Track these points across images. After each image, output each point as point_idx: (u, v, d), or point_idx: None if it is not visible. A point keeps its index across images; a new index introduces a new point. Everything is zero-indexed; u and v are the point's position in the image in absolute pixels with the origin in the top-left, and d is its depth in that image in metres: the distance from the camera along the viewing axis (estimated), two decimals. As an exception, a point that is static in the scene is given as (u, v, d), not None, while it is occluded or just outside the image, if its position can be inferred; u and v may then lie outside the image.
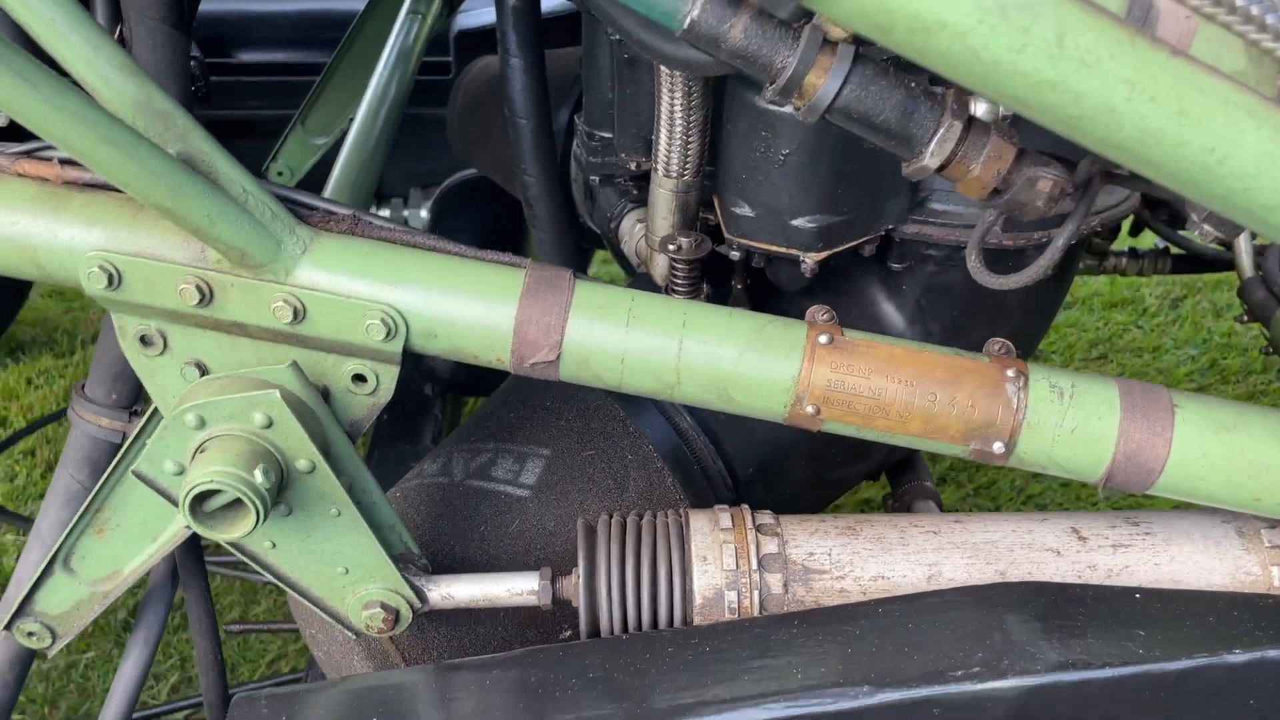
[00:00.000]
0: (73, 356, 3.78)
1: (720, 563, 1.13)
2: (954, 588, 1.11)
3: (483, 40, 2.64)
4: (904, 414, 1.04)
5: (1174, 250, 2.22)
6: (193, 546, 1.52)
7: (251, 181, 1.04)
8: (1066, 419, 1.05)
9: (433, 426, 2.47)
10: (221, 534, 1.04)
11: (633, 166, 1.48)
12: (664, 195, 1.38)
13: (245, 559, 1.15)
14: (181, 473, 1.05)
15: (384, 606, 1.17)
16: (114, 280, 1.05)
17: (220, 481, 1.00)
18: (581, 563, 1.14)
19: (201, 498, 1.02)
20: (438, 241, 1.10)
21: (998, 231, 1.33)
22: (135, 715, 1.62)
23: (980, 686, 0.99)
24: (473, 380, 2.56)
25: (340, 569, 1.16)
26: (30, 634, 1.30)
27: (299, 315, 1.05)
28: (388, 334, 1.05)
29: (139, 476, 1.07)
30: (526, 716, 1.03)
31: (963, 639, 1.02)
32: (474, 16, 2.76)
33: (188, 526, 1.05)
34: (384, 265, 1.07)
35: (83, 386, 1.48)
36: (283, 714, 1.08)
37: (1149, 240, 2.21)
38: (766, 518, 1.18)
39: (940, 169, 0.96)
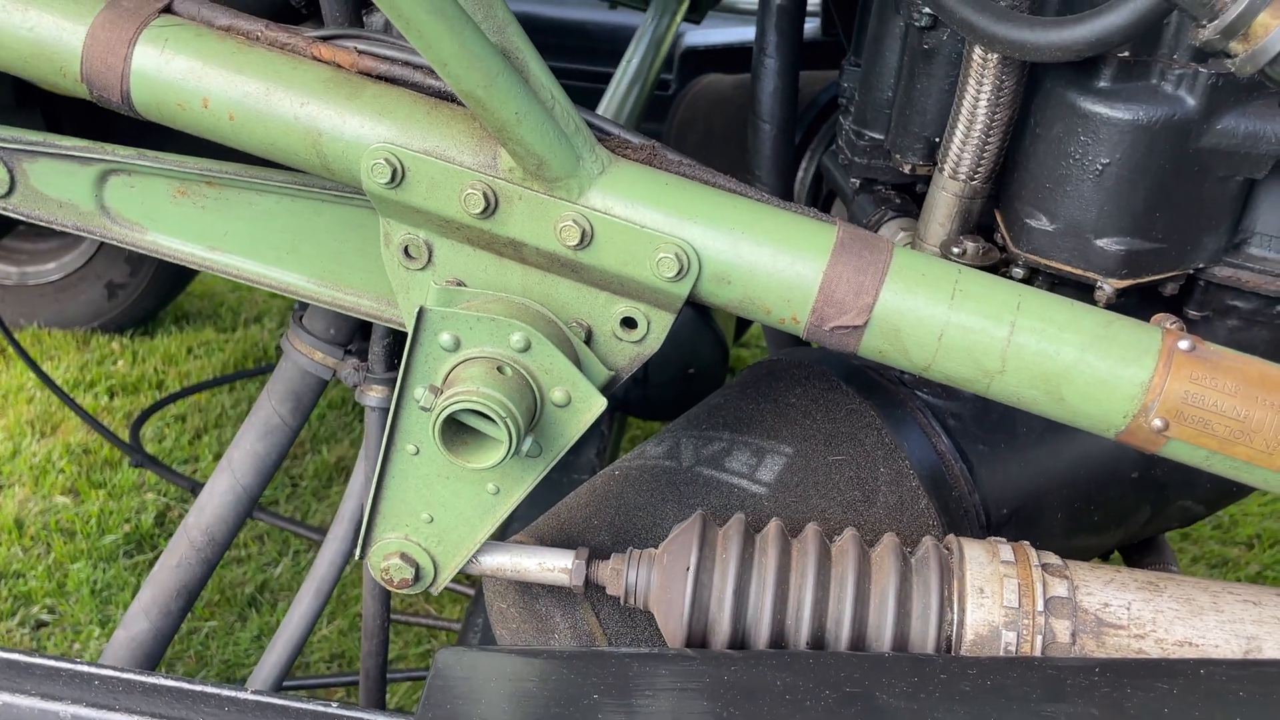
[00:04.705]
0: (234, 333, 3.82)
1: (1000, 598, 0.98)
2: (1297, 660, 0.94)
3: (708, 59, 2.60)
4: (1274, 444, 0.88)
5: None
6: None
7: (560, 90, 0.96)
8: None
9: (598, 442, 2.37)
10: (466, 460, 0.95)
11: (906, 169, 1.38)
12: (945, 199, 1.27)
13: None
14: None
15: (404, 557, 1.05)
16: (397, 176, 0.97)
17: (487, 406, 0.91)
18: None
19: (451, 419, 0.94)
20: (738, 185, 1.00)
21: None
22: (286, 683, 1.53)
23: (1335, 781, 0.82)
24: (645, 401, 2.46)
25: (425, 515, 1.04)
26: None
27: (585, 239, 0.96)
28: (679, 272, 0.95)
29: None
30: (774, 724, 0.90)
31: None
32: (701, 35, 2.72)
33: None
34: (683, 199, 0.97)
35: (301, 316, 1.42)
36: (490, 669, 0.97)
37: None
38: (1051, 558, 1.03)
39: None
